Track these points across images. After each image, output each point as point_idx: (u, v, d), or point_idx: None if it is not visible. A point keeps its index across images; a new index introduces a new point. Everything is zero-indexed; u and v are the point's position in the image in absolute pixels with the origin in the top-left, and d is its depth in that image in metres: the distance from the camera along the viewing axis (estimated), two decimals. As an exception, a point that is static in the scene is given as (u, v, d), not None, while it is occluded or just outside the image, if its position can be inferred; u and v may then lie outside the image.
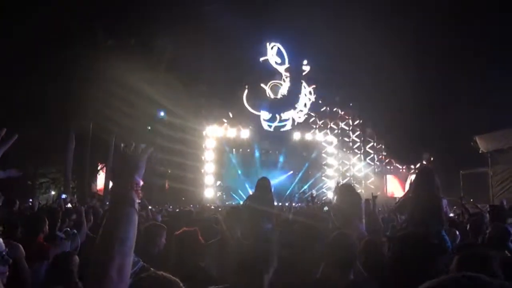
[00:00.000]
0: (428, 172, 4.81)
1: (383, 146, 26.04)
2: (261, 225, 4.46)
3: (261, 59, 23.90)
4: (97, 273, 1.29)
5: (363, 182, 25.01)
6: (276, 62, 24.11)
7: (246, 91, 23.45)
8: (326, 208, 6.51)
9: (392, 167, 25.77)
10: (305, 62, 24.50)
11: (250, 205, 4.85)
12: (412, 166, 23.83)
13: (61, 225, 5.22)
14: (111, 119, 17.49)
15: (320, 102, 25.50)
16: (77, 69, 16.53)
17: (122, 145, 1.58)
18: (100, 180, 23.53)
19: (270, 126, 23.59)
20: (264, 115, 23.54)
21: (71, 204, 9.06)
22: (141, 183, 1.52)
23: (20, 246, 3.50)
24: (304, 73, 24.59)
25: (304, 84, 24.57)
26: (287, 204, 18.54)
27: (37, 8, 15.79)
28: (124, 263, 1.31)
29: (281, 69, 24.23)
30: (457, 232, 5.14)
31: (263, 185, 5.23)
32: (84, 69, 16.66)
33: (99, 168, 23.70)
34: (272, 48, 24.12)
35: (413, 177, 4.86)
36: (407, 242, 2.59)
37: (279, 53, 24.29)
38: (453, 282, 0.85)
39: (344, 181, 21.97)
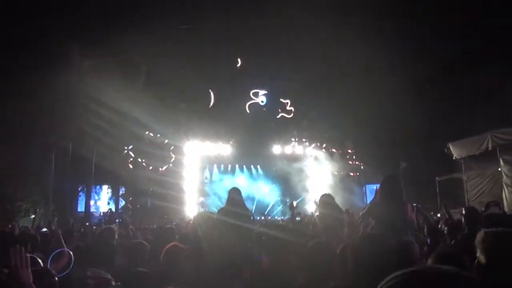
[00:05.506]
0: (392, 178, 4.98)
1: (360, 157, 26.39)
2: (235, 241, 4.42)
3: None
4: None
5: (341, 192, 25.18)
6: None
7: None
8: (298, 218, 6.63)
9: (370, 177, 26.04)
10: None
11: (224, 220, 4.74)
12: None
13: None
14: (91, 138, 17.37)
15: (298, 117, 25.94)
16: (54, 89, 16.34)
17: None
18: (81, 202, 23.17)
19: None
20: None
21: (47, 228, 8.11)
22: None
23: None
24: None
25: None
26: (269, 217, 18.77)
27: (13, 26, 15.65)
28: None
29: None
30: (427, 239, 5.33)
31: (234, 198, 5.07)
32: (62, 88, 16.47)
33: (79, 189, 23.35)
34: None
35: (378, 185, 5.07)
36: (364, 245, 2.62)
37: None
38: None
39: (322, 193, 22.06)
